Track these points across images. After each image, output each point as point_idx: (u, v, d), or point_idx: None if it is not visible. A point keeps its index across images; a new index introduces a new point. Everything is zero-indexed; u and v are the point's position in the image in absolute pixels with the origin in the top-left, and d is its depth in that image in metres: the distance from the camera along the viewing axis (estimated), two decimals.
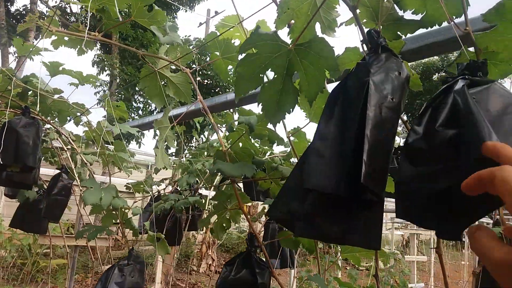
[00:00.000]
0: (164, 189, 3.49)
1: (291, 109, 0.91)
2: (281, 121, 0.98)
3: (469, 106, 0.56)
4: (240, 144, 1.36)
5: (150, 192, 2.48)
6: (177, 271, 9.25)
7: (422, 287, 6.49)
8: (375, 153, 0.62)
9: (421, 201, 0.63)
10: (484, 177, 0.41)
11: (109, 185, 1.80)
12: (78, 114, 1.92)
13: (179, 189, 3.11)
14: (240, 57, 0.89)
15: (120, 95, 10.84)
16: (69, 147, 2.37)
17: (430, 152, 0.63)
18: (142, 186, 1.97)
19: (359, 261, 1.21)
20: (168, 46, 1.36)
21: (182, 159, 3.39)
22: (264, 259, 1.22)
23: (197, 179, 2.81)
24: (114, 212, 1.90)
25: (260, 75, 0.88)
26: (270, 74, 0.92)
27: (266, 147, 1.78)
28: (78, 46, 1.32)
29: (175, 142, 1.20)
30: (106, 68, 10.77)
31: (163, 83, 1.41)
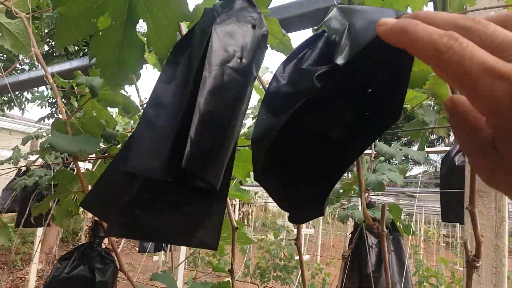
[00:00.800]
0: (33, 162, 3.07)
1: (136, 68, 0.72)
2: (133, 85, 0.78)
3: (348, 9, 0.41)
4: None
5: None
6: (63, 248, 8.57)
7: (308, 258, 6.84)
8: (210, 128, 0.47)
9: (273, 166, 0.48)
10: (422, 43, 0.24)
11: None
12: None
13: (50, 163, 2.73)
14: None
15: (1, 54, 9.41)
16: None
17: (293, 96, 0.44)
18: None
19: (223, 250, 1.08)
20: None
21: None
22: (112, 252, 1.03)
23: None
24: None
25: (92, 19, 0.67)
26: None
27: None
28: None
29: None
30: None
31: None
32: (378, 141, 1.56)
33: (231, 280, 0.82)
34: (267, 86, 0.49)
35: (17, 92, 8.62)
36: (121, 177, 0.56)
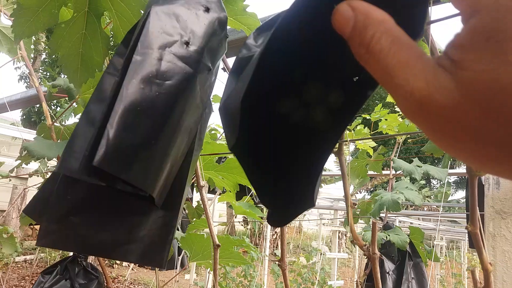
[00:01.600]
0: None
1: (101, 64, 0.66)
2: None
3: None
4: None
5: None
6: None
7: (341, 284, 6.52)
8: (137, 121, 0.39)
9: (250, 146, 0.38)
10: None
11: None
12: None
13: None
14: None
15: (45, 73, 9.92)
16: None
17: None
18: None
19: (211, 266, 0.99)
20: None
21: None
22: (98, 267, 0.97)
23: None
24: None
25: (53, 10, 0.62)
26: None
27: None
28: None
29: None
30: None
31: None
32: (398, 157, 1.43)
33: None
34: None
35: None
36: (59, 180, 0.50)
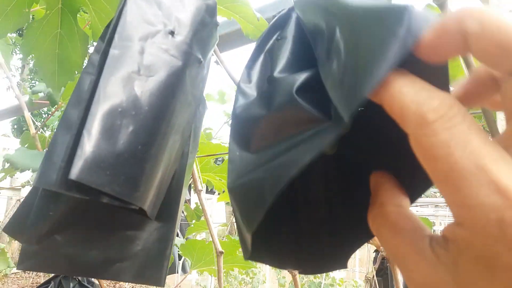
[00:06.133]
0: None
1: (81, 66, 0.61)
2: None
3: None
4: None
5: None
6: None
7: (343, 276, 6.47)
8: (117, 123, 0.34)
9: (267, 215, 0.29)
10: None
11: None
12: None
13: None
14: None
15: (33, 82, 9.78)
16: None
17: (273, 121, 0.28)
18: None
19: (215, 272, 0.94)
20: None
21: None
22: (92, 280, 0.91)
23: None
24: None
25: (23, 9, 0.57)
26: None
27: None
28: None
29: None
30: (17, 51, 9.71)
31: None
32: None
33: None
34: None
35: None
36: (39, 195, 0.44)
